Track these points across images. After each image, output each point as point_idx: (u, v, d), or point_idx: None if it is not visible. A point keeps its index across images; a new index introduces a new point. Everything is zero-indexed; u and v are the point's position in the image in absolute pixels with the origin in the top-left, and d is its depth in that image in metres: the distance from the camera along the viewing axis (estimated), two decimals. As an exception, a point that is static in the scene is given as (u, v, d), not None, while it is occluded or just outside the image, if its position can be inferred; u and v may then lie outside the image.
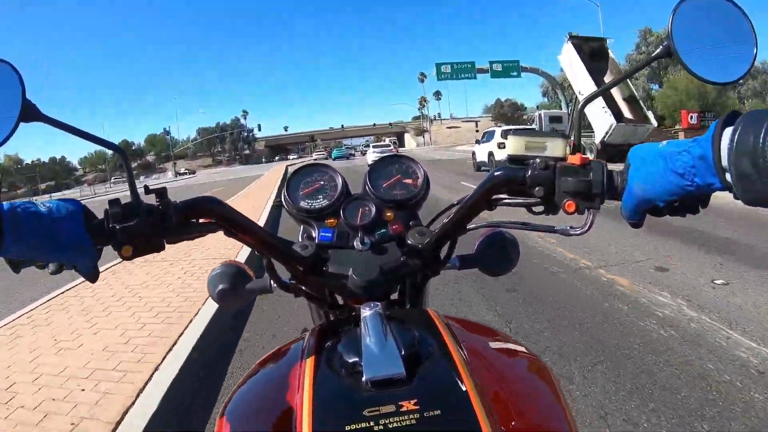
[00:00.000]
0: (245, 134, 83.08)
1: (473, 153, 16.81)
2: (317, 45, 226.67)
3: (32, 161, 78.65)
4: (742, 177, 0.38)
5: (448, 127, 75.04)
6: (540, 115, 18.25)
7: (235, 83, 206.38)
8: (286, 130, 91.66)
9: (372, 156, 22.86)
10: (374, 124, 69.56)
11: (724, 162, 0.40)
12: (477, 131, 69.24)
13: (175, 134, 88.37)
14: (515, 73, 26.50)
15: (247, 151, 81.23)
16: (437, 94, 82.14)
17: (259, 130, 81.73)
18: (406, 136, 79.51)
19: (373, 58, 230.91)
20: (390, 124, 73.75)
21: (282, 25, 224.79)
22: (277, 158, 73.25)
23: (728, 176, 0.40)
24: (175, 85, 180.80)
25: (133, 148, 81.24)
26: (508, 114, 75.84)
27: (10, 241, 0.44)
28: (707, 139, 0.41)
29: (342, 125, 66.69)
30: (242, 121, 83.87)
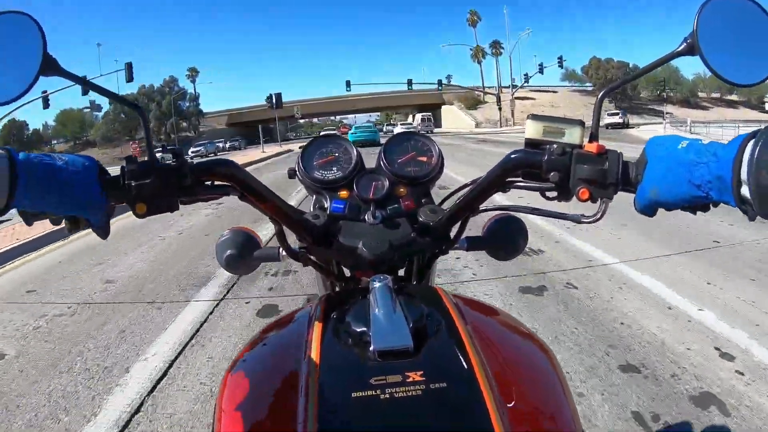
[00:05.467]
0: (187, 104, 51.99)
1: None
2: None
3: None
4: (761, 190, 0.39)
5: (516, 98, 45.62)
6: None
7: (193, 29, 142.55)
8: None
9: None
10: (409, 83, 37.82)
11: (743, 175, 0.40)
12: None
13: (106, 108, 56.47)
14: None
15: (188, 133, 50.88)
16: (495, 46, 51.80)
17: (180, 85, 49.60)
18: (446, 110, 49.99)
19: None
20: (439, 83, 42.36)
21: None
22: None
23: (744, 189, 0.40)
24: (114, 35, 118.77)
25: (40, 127, 50.62)
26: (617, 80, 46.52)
27: (23, 187, 0.44)
28: (728, 159, 0.41)
29: (348, 82, 34.33)
30: (191, 85, 53.29)
